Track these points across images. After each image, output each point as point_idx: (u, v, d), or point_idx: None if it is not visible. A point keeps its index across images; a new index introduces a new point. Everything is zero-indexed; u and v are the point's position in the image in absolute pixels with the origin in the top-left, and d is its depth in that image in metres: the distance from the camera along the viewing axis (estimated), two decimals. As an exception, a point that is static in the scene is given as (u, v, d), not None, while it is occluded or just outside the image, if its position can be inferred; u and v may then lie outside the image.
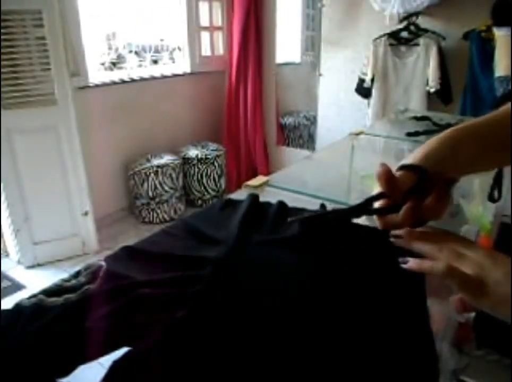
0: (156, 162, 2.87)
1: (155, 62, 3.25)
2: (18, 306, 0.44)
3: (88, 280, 0.47)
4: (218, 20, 3.30)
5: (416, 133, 1.31)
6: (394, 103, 2.60)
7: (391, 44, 2.58)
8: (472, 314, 0.66)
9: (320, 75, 3.13)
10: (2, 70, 1.98)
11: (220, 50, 3.38)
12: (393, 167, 0.46)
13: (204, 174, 3.11)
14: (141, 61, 3.17)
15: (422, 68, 2.50)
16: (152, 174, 2.81)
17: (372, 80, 2.65)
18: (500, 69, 1.91)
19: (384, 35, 2.59)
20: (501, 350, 0.66)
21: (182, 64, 3.24)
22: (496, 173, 0.77)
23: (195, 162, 3.07)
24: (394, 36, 2.58)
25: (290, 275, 0.51)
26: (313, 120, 3.42)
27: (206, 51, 3.30)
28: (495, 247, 0.82)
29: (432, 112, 2.05)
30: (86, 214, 2.43)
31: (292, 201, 0.72)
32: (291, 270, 0.52)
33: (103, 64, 2.96)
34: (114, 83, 2.79)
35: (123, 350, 0.41)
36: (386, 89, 2.65)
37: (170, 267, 0.51)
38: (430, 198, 0.46)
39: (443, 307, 0.51)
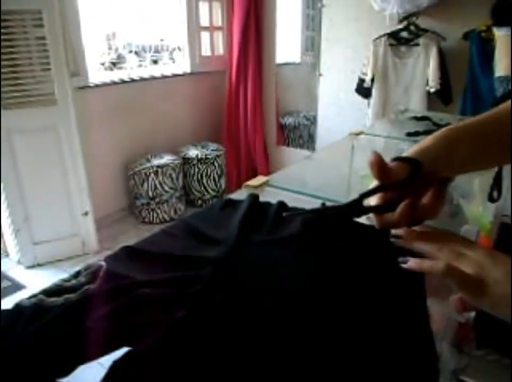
0: (156, 162, 2.87)
1: (155, 62, 3.25)
2: (18, 306, 0.44)
3: (88, 280, 0.47)
4: (218, 20, 3.30)
5: (416, 133, 1.31)
6: (394, 103, 2.60)
7: (391, 44, 2.58)
8: (472, 314, 0.66)
9: (320, 75, 3.13)
10: (2, 70, 1.98)
11: (220, 50, 3.38)
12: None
13: (204, 174, 3.11)
14: (140, 61, 3.17)
15: (422, 68, 2.50)
16: (152, 174, 2.81)
17: (372, 80, 2.65)
18: (500, 69, 1.91)
19: (384, 35, 2.59)
20: (501, 350, 0.66)
21: (182, 64, 3.24)
22: (496, 173, 0.77)
23: (195, 162, 3.07)
24: (394, 36, 2.58)
25: (290, 274, 0.51)
26: (313, 120, 3.42)
27: (206, 51, 3.30)
28: (495, 247, 0.82)
29: (432, 112, 2.05)
30: (86, 214, 2.43)
31: (292, 201, 0.72)
32: (291, 270, 0.52)
33: (103, 64, 2.96)
34: (114, 83, 2.79)
35: (123, 350, 0.41)
36: (386, 89, 2.65)
37: (170, 267, 0.51)
38: (426, 197, 0.46)
39: (443, 307, 0.51)
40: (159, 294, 0.46)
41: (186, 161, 3.08)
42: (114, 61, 3.04)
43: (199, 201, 3.18)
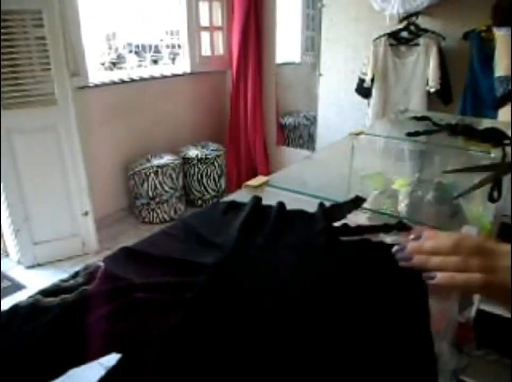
0: (156, 162, 2.87)
1: (155, 62, 3.26)
2: (14, 306, 0.44)
3: (85, 281, 0.47)
4: (218, 20, 3.30)
5: (416, 133, 1.31)
6: (394, 103, 2.60)
7: (391, 44, 2.58)
8: (473, 314, 0.66)
9: (320, 75, 3.13)
10: (2, 70, 1.98)
11: (220, 50, 3.38)
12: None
13: (204, 174, 3.11)
14: (140, 61, 3.17)
15: (422, 68, 2.50)
16: (152, 174, 2.81)
17: (372, 80, 2.64)
18: (500, 69, 1.91)
19: (384, 35, 2.59)
20: (501, 350, 0.66)
21: (182, 64, 3.24)
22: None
23: (195, 162, 3.07)
24: (394, 36, 2.58)
25: (290, 281, 0.51)
26: (313, 120, 3.42)
27: (206, 51, 3.30)
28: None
29: (432, 112, 2.05)
30: (86, 214, 2.43)
31: (292, 201, 0.71)
32: (291, 276, 0.52)
33: (103, 64, 2.96)
34: (114, 83, 2.79)
35: (119, 354, 0.41)
36: (386, 89, 2.65)
37: (168, 271, 0.51)
38: None
39: (443, 307, 0.51)
40: (154, 298, 0.46)
41: (186, 161, 3.08)
42: (114, 61, 3.04)
43: (199, 201, 3.18)
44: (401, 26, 2.55)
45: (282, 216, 0.66)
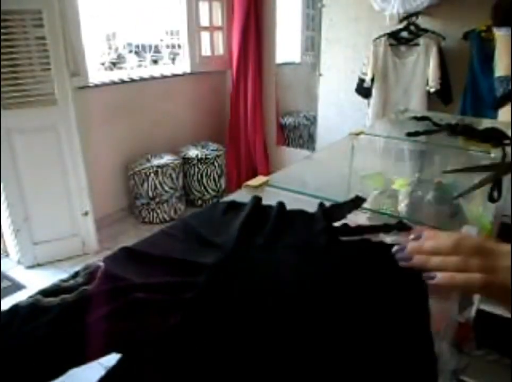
0: (156, 162, 2.87)
1: (155, 62, 3.26)
2: (14, 306, 0.43)
3: (85, 281, 0.47)
4: (218, 20, 3.30)
5: (416, 133, 1.31)
6: (394, 103, 2.60)
7: (391, 44, 2.58)
8: (472, 314, 0.66)
9: (320, 75, 3.13)
10: (2, 70, 1.98)
11: (220, 50, 3.38)
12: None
13: (204, 174, 3.11)
14: (140, 61, 3.17)
15: (422, 68, 2.50)
16: (152, 174, 2.81)
17: (372, 80, 2.64)
18: (500, 69, 1.91)
19: (384, 35, 2.59)
20: (501, 350, 0.66)
21: (182, 64, 3.24)
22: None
23: (195, 162, 3.07)
24: (394, 36, 2.58)
25: (290, 283, 0.51)
26: (313, 120, 3.42)
27: (206, 51, 3.30)
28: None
29: (432, 112, 2.05)
30: (86, 214, 2.43)
31: (292, 201, 0.71)
32: (291, 277, 0.52)
33: (103, 64, 2.96)
34: (114, 83, 2.79)
35: (118, 355, 0.41)
36: (386, 89, 2.65)
37: (168, 271, 0.51)
38: None
39: (443, 307, 0.51)
40: (154, 298, 0.46)
41: (186, 161, 3.08)
42: (114, 61, 3.04)
43: (199, 201, 3.18)
44: (401, 26, 2.55)
45: (282, 216, 0.66)
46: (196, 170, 3.08)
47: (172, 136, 3.23)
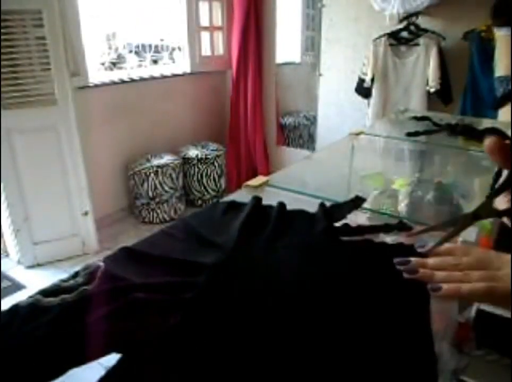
0: (156, 162, 2.87)
1: (155, 62, 3.25)
2: (14, 306, 0.44)
3: (85, 281, 0.47)
4: (218, 20, 3.30)
5: (416, 133, 1.31)
6: (394, 103, 2.60)
7: (391, 44, 2.58)
8: (472, 314, 0.66)
9: (320, 75, 3.13)
10: (2, 70, 1.98)
11: (220, 50, 3.38)
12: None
13: (204, 174, 3.11)
14: (140, 61, 3.17)
15: (422, 68, 2.50)
16: (152, 174, 2.81)
17: (372, 80, 2.64)
18: (500, 69, 1.91)
19: (384, 35, 2.59)
20: (501, 350, 0.66)
21: (182, 65, 3.24)
22: (495, 173, 0.77)
23: (195, 162, 3.07)
24: (394, 36, 2.58)
25: (291, 283, 0.51)
26: (313, 120, 3.42)
27: (206, 51, 3.30)
28: (495, 247, 0.82)
29: (432, 112, 2.05)
30: (86, 214, 2.43)
31: (293, 201, 0.71)
32: (291, 277, 0.52)
33: (103, 64, 2.96)
34: (114, 83, 2.79)
35: (118, 355, 0.41)
36: (386, 89, 2.65)
37: (168, 271, 0.51)
38: None
39: (443, 307, 0.51)
40: (154, 298, 0.46)
41: (186, 161, 3.08)
42: (114, 61, 3.04)
43: (199, 201, 3.18)
44: (401, 26, 2.55)
45: (282, 216, 0.66)
46: (196, 170, 3.08)
47: (172, 136, 3.23)
